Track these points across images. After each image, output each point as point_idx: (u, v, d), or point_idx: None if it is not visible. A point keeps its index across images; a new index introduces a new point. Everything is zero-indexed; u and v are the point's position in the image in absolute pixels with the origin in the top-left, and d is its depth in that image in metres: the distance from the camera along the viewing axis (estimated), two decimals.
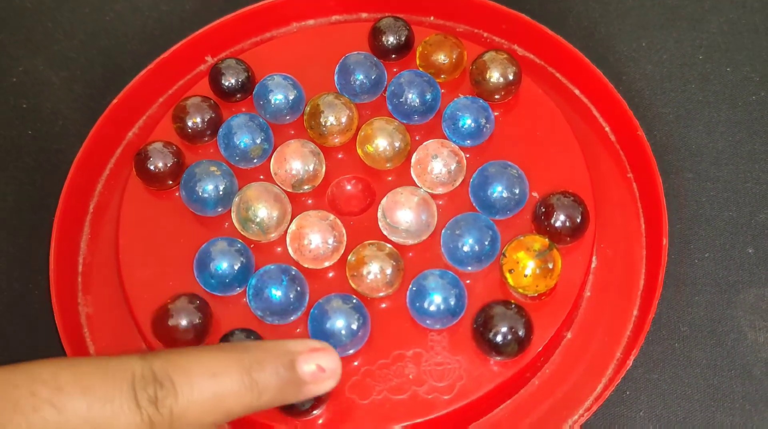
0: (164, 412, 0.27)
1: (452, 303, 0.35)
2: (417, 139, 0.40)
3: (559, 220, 0.36)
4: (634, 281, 0.39)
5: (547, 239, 0.35)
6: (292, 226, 0.37)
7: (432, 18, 0.47)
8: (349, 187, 0.40)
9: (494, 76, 0.40)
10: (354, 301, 0.35)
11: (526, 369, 0.35)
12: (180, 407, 0.28)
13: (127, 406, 0.27)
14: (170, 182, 0.40)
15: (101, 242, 0.42)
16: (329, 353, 0.31)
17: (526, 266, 0.35)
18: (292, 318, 0.36)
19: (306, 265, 0.37)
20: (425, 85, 0.40)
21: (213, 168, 0.38)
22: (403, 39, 0.42)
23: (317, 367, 0.30)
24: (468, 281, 0.36)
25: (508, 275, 0.35)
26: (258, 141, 0.39)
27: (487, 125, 0.39)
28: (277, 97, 0.41)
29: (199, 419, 0.28)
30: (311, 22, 0.48)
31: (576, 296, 0.36)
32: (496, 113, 0.41)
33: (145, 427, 0.27)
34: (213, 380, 0.28)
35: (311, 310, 0.35)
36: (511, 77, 0.40)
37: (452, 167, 0.38)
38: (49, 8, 0.52)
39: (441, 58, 0.41)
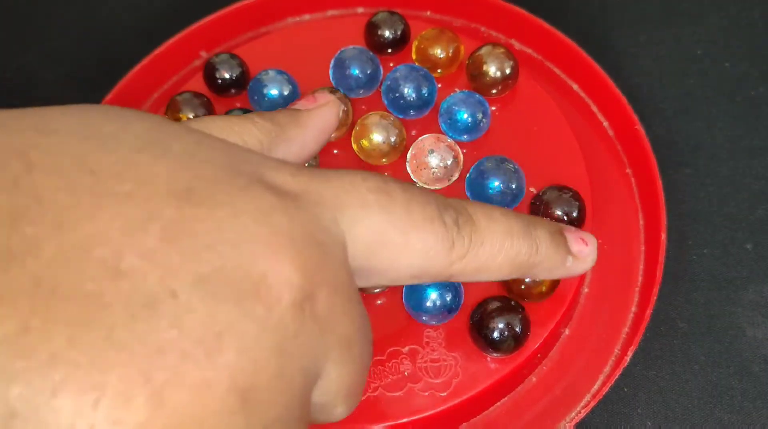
0: (465, 237, 0.25)
1: (448, 299, 0.34)
2: (413, 134, 0.40)
3: (556, 215, 0.36)
4: (632, 277, 0.39)
5: None
6: None
7: (428, 13, 0.47)
8: None
9: (491, 70, 0.40)
10: None
11: (523, 366, 0.35)
12: (479, 236, 0.26)
13: (438, 223, 0.25)
14: None
15: None
16: (589, 234, 0.30)
17: None
18: None
19: None
20: (421, 79, 0.40)
21: None
22: (398, 33, 0.42)
23: (582, 240, 0.29)
24: None
25: None
26: None
27: (484, 120, 0.39)
28: (272, 92, 0.40)
29: (491, 259, 0.26)
30: (306, 16, 0.48)
31: (574, 292, 0.36)
32: (493, 108, 0.40)
33: (447, 244, 0.25)
34: (503, 217, 0.27)
35: None
36: (508, 72, 0.40)
37: (448, 162, 0.38)
38: (42, 4, 0.52)
39: (437, 52, 0.41)
